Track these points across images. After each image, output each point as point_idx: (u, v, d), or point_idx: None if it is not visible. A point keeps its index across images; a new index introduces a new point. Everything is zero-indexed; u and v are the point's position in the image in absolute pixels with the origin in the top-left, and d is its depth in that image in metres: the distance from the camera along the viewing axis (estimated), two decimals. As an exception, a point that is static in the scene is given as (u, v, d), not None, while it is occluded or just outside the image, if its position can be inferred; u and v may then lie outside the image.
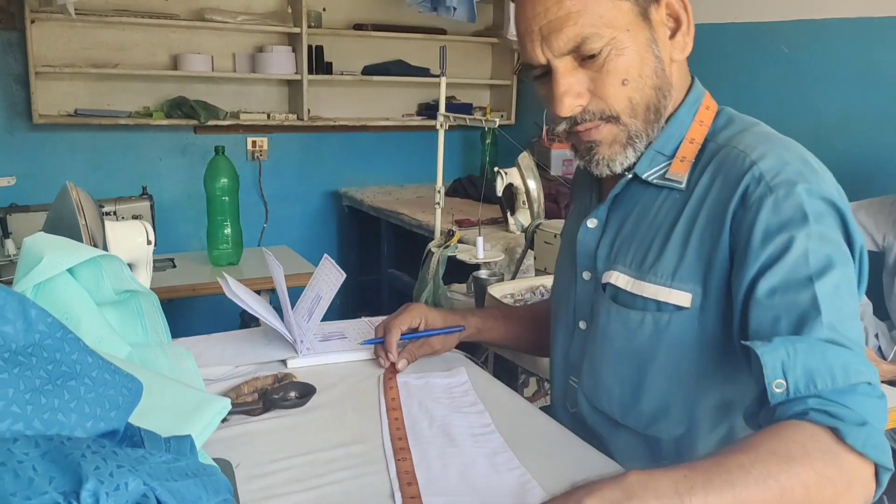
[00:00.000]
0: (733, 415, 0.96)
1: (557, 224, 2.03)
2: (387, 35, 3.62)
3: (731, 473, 0.70)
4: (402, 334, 1.15)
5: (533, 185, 2.58)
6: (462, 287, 2.19)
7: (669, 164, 0.95)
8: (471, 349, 1.67)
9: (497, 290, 1.69)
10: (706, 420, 0.96)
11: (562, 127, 0.95)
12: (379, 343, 1.17)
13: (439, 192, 2.38)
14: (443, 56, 2.40)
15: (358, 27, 3.59)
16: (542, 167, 3.17)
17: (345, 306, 3.55)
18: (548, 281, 1.75)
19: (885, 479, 0.76)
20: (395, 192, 3.61)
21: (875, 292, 2.00)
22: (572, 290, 1.06)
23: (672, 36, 0.94)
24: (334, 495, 0.81)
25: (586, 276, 1.03)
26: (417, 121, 3.80)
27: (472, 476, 0.85)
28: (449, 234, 2.36)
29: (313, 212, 3.76)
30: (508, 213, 2.73)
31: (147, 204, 2.25)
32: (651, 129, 0.94)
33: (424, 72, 3.71)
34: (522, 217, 2.64)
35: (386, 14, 3.68)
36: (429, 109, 3.79)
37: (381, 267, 3.45)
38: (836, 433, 0.74)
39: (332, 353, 1.19)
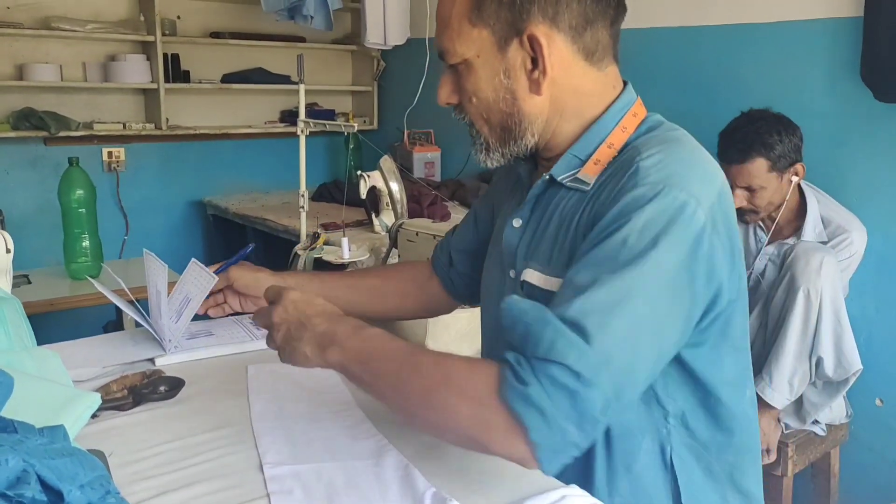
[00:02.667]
0: None
1: (419, 223, 2.15)
2: (245, 43, 3.62)
3: (374, 349, 0.86)
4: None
5: (395, 186, 2.69)
6: (329, 287, 2.26)
7: (583, 166, 0.96)
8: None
9: (362, 287, 1.78)
10: None
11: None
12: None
13: (303, 196, 2.45)
14: (300, 63, 2.47)
15: (215, 35, 3.58)
16: (405, 169, 3.29)
17: (215, 315, 3.52)
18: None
19: (544, 456, 0.76)
20: (261, 198, 3.62)
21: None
22: (502, 287, 1.07)
23: (531, 72, 0.93)
24: (205, 472, 0.88)
25: (512, 273, 1.04)
26: (280, 128, 3.82)
27: (334, 446, 0.94)
28: (314, 237, 2.44)
29: (177, 222, 3.71)
30: (373, 215, 2.82)
31: (-4, 219, 2.19)
32: (506, 147, 0.98)
33: (285, 79, 3.74)
34: (386, 218, 2.74)
35: (243, 22, 3.68)
36: (291, 116, 3.82)
37: (250, 274, 3.45)
38: (501, 384, 0.76)
39: (199, 349, 1.24)
